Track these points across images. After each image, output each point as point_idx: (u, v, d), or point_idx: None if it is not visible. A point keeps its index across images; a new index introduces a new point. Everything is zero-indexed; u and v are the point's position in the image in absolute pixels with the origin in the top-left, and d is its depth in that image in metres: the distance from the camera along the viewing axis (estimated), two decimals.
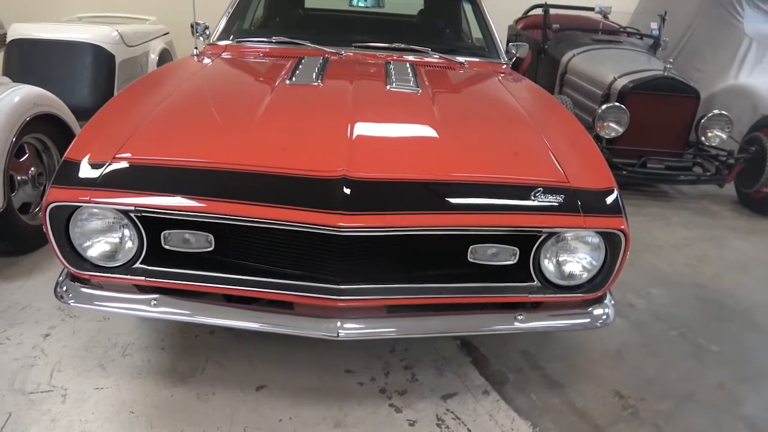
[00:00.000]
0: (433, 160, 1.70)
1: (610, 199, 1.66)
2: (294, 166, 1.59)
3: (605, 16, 5.55)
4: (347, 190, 1.51)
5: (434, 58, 2.94)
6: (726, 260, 3.26)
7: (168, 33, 5.58)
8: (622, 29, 5.66)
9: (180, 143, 1.72)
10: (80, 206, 1.53)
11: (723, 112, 4.01)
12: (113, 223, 1.57)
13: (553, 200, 1.61)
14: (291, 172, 1.57)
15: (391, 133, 1.89)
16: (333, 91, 2.19)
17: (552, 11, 5.53)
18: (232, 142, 1.70)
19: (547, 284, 1.66)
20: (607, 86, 4.22)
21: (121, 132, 1.74)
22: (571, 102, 4.21)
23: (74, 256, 1.59)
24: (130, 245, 1.59)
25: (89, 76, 4.28)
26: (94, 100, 4.28)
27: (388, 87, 2.27)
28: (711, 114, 4.00)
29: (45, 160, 2.86)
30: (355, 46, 2.96)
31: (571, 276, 1.65)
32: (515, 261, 1.63)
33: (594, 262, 1.64)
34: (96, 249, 1.59)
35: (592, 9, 5.76)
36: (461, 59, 2.97)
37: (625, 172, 3.98)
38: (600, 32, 5.37)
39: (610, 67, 4.41)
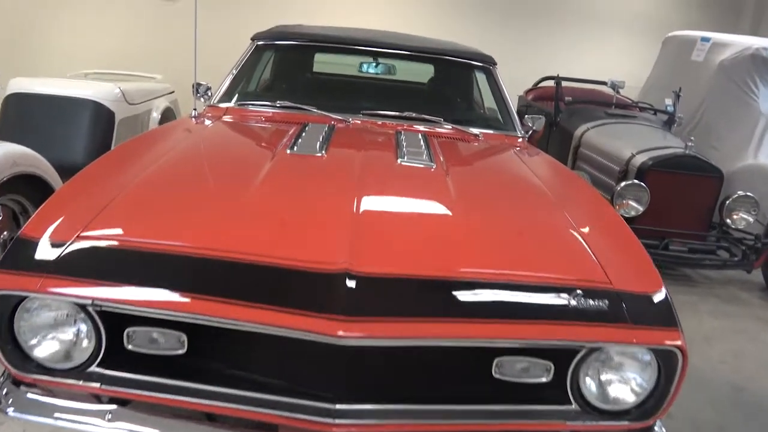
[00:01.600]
0: (450, 252, 1.46)
1: (661, 306, 1.40)
2: (287, 256, 1.34)
3: (617, 91, 5.46)
4: (349, 289, 1.25)
5: (447, 129, 2.76)
6: (763, 357, 2.95)
7: (173, 92, 5.49)
8: (634, 104, 5.56)
9: (158, 221, 1.48)
10: (28, 296, 1.27)
11: (748, 193, 3.80)
12: (68, 316, 1.31)
13: (594, 306, 1.35)
14: (283, 263, 1.32)
15: (402, 216, 1.66)
16: (338, 164, 1.97)
17: (563, 83, 5.45)
18: (218, 222, 1.47)
19: (588, 408, 1.37)
20: (624, 162, 4.04)
21: (94, 204, 1.51)
22: (590, 178, 4.01)
23: (18, 354, 1.32)
24: (86, 344, 1.32)
25: (86, 133, 4.13)
26: (90, 158, 4.09)
27: (399, 160, 2.05)
28: (736, 196, 3.79)
29: (22, 224, 2.63)
30: (363, 114, 2.78)
31: (616, 400, 1.36)
32: (549, 378, 1.35)
33: (644, 384, 1.36)
34: (45, 348, 1.32)
35: (604, 83, 5.69)
36: (476, 131, 2.79)
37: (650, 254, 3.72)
38: (613, 106, 5.26)
39: (626, 142, 4.25)
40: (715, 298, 3.75)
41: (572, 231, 1.67)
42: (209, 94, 3.10)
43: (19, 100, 4.14)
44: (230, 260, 1.32)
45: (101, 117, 4.18)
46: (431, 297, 1.31)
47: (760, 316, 3.53)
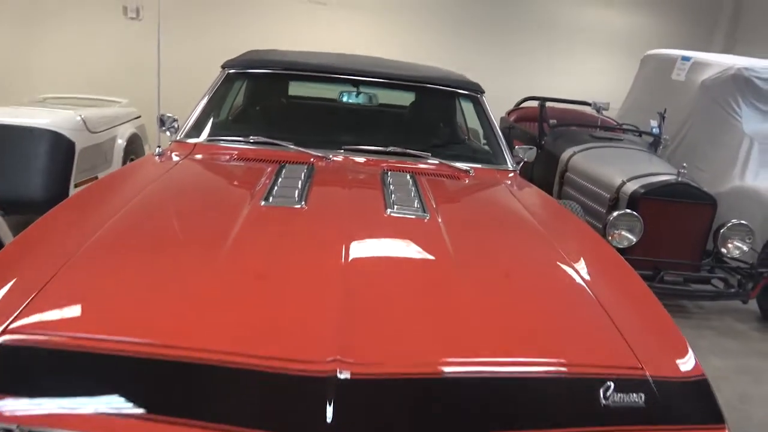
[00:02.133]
0: (459, 336, 1.23)
1: (704, 397, 1.21)
2: (258, 353, 1.10)
3: (600, 112, 5.36)
4: (340, 400, 1.02)
5: (435, 164, 2.56)
6: None
7: (139, 116, 5.20)
8: (619, 126, 5.46)
9: (105, 307, 1.23)
10: None
11: (742, 221, 3.68)
12: None
13: (630, 402, 1.14)
14: (252, 364, 1.08)
15: (398, 290, 1.41)
16: (319, 220, 1.74)
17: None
18: (178, 307, 1.22)
19: None
20: (615, 190, 3.89)
21: (28, 284, 1.25)
22: (580, 208, 3.84)
23: None
24: None
25: (44, 165, 3.82)
26: (48, 192, 3.80)
27: (388, 211, 1.83)
28: (730, 224, 3.66)
29: None
30: (344, 149, 2.57)
31: None
32: None
33: None
34: None
35: (588, 104, 5.59)
36: (465, 166, 2.59)
37: None
38: (598, 129, 5.14)
39: (615, 168, 4.11)
40: (711, 331, 3.61)
41: (589, 297, 1.47)
42: (176, 126, 2.86)
43: None
44: (184, 361, 1.08)
45: (60, 148, 3.87)
46: (439, 406, 1.09)
47: (760, 350, 3.39)
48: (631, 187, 3.80)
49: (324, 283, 1.34)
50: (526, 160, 2.99)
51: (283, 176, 2.08)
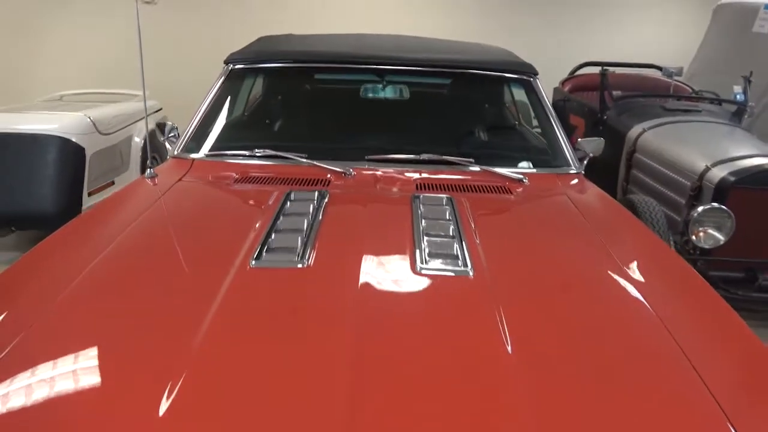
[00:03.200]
0: None
1: None
2: None
3: (672, 78, 4.65)
4: None
5: (479, 172, 2.08)
6: None
7: (160, 109, 4.86)
8: (696, 94, 4.74)
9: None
10: None
11: None
12: None
13: None
14: None
15: (425, 412, 0.97)
16: (325, 289, 1.29)
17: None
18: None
19: None
20: (697, 177, 3.27)
21: None
22: (661, 211, 3.21)
23: None
24: None
25: (53, 175, 3.52)
26: (59, 204, 3.52)
27: (418, 265, 1.37)
28: None
29: None
30: (368, 160, 2.11)
31: None
32: None
33: None
34: None
35: (656, 67, 4.88)
36: (518, 173, 2.09)
37: (732, 293, 3.02)
38: (670, 98, 4.46)
39: (696, 149, 3.47)
40: None
41: (686, 367, 1.04)
42: (176, 135, 2.47)
43: None
44: None
45: (68, 154, 3.57)
46: None
47: None
48: (717, 173, 3.17)
49: (322, 403, 0.91)
50: (591, 155, 2.46)
51: (285, 212, 1.65)
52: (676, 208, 3.41)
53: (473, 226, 1.63)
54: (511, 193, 2.00)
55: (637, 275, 1.44)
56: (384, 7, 6.20)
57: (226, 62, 2.52)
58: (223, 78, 2.49)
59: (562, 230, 1.76)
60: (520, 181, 2.07)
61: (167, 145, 2.45)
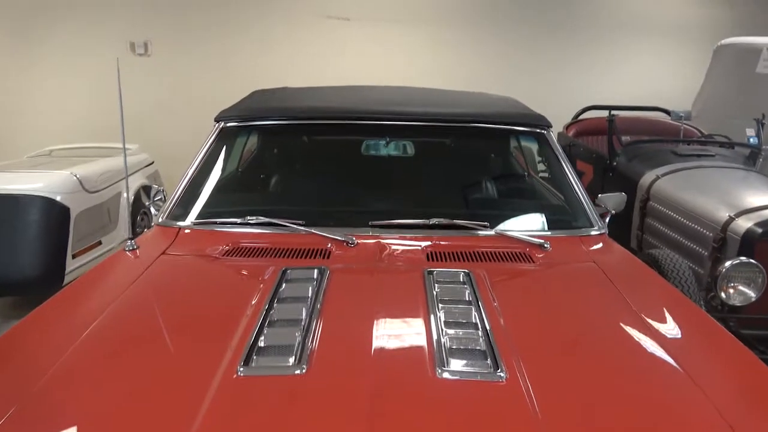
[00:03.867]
0: None
1: None
2: None
3: (681, 121, 4.51)
4: None
5: (496, 237, 1.88)
6: None
7: (152, 163, 4.70)
8: (706, 138, 4.60)
9: None
10: None
11: None
12: None
13: None
14: None
15: None
16: (325, 404, 1.06)
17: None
18: None
19: None
20: (720, 228, 3.07)
21: None
22: (688, 268, 3.00)
23: None
24: None
25: (36, 238, 3.31)
26: (41, 268, 3.30)
27: (438, 371, 1.14)
28: None
29: None
30: (372, 226, 1.91)
31: None
32: None
33: None
34: None
35: (661, 110, 4.76)
36: (538, 238, 1.89)
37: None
38: (680, 143, 4.31)
39: (716, 197, 3.29)
40: None
41: None
42: (163, 199, 2.29)
43: None
44: None
45: (52, 215, 3.36)
46: None
47: None
48: (742, 225, 2.97)
49: None
50: (614, 212, 2.27)
51: (280, 296, 1.43)
52: (698, 260, 3.20)
53: (497, 306, 1.41)
54: (533, 261, 1.79)
55: (681, 349, 1.27)
56: (379, 49, 6.12)
57: (217, 119, 2.35)
58: (213, 137, 2.31)
59: (596, 305, 1.55)
60: (541, 246, 1.87)
61: (152, 209, 2.26)
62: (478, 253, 1.80)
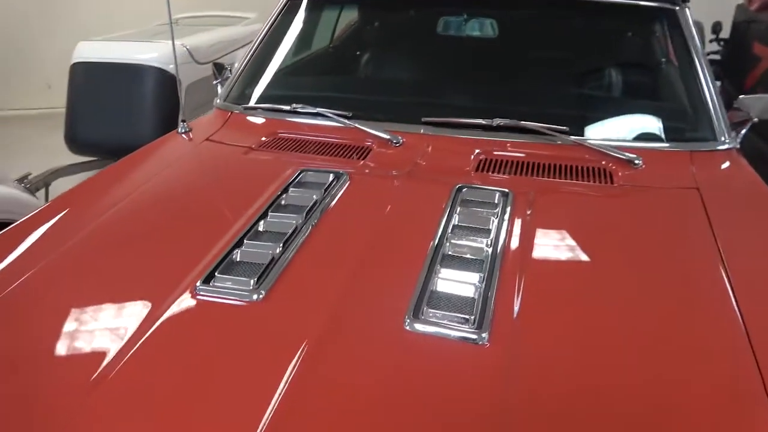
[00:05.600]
0: None
1: None
2: None
3: None
4: None
5: (570, 147, 1.53)
6: None
7: None
8: None
9: None
10: None
11: None
12: None
13: None
14: None
15: None
16: (263, 340, 0.93)
17: None
18: None
19: None
20: None
21: None
22: None
23: None
24: None
25: (149, 106, 3.50)
26: (154, 137, 3.50)
27: (406, 322, 0.93)
28: None
29: None
30: (424, 123, 1.65)
31: None
32: None
33: None
34: None
35: None
36: (628, 151, 1.49)
37: None
38: None
39: None
40: None
41: None
42: (229, 74, 2.23)
43: (82, 69, 3.62)
44: None
45: (163, 85, 3.49)
46: None
47: None
48: None
49: None
50: (756, 120, 1.73)
51: (280, 204, 1.29)
52: None
53: (523, 246, 1.14)
54: (611, 181, 1.43)
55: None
56: None
57: None
58: (279, 11, 2.12)
59: (663, 257, 1.16)
60: (629, 162, 1.49)
61: (218, 89, 2.19)
62: (542, 165, 1.48)
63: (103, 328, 0.97)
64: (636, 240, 1.21)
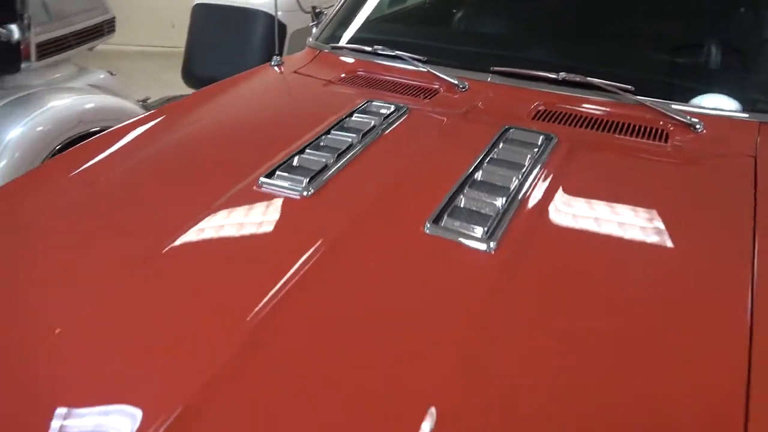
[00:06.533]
0: None
1: None
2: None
3: None
4: None
5: (635, 106, 1.55)
6: None
7: None
8: None
9: None
10: None
11: None
12: None
13: None
14: None
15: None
16: (296, 229, 1.10)
17: None
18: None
19: None
20: None
21: None
22: None
23: None
24: None
25: (257, 50, 3.78)
26: None
27: (426, 226, 1.07)
28: None
29: None
30: (493, 72, 1.73)
31: None
32: None
33: None
34: None
35: None
36: (690, 116, 1.50)
37: None
38: None
39: None
40: None
41: None
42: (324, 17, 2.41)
43: (202, 10, 3.96)
44: None
45: (271, 29, 3.75)
46: None
47: None
48: None
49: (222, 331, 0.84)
50: None
51: (342, 126, 1.45)
52: None
53: (553, 182, 1.22)
54: (665, 141, 1.45)
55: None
56: None
57: None
58: None
59: (693, 217, 1.19)
60: (690, 126, 1.49)
61: (313, 30, 2.39)
62: (596, 119, 1.53)
63: (173, 208, 1.18)
64: (666, 198, 1.24)
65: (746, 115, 1.55)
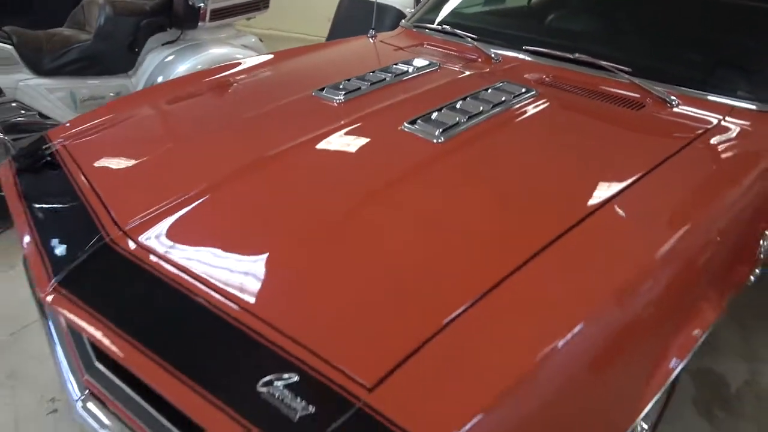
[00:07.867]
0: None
1: None
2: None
3: None
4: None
5: (627, 84, 1.88)
6: None
7: None
8: None
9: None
10: None
11: None
12: None
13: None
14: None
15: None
16: (321, 115, 1.69)
17: None
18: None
19: None
20: None
21: None
22: None
23: None
24: None
25: None
26: None
27: (404, 126, 1.59)
28: None
29: None
30: (524, 50, 2.17)
31: None
32: None
33: None
34: None
35: None
36: (671, 93, 1.80)
37: None
38: None
39: None
40: None
41: None
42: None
43: (346, 3, 4.71)
44: None
45: (397, 24, 4.39)
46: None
47: None
48: None
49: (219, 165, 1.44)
50: None
51: (386, 69, 2.01)
52: None
53: (509, 118, 1.66)
54: (639, 110, 1.77)
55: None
56: None
57: None
58: None
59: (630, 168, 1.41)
60: (666, 101, 1.80)
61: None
62: (587, 88, 1.89)
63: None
64: (598, 143, 1.59)
65: (722, 99, 1.80)
